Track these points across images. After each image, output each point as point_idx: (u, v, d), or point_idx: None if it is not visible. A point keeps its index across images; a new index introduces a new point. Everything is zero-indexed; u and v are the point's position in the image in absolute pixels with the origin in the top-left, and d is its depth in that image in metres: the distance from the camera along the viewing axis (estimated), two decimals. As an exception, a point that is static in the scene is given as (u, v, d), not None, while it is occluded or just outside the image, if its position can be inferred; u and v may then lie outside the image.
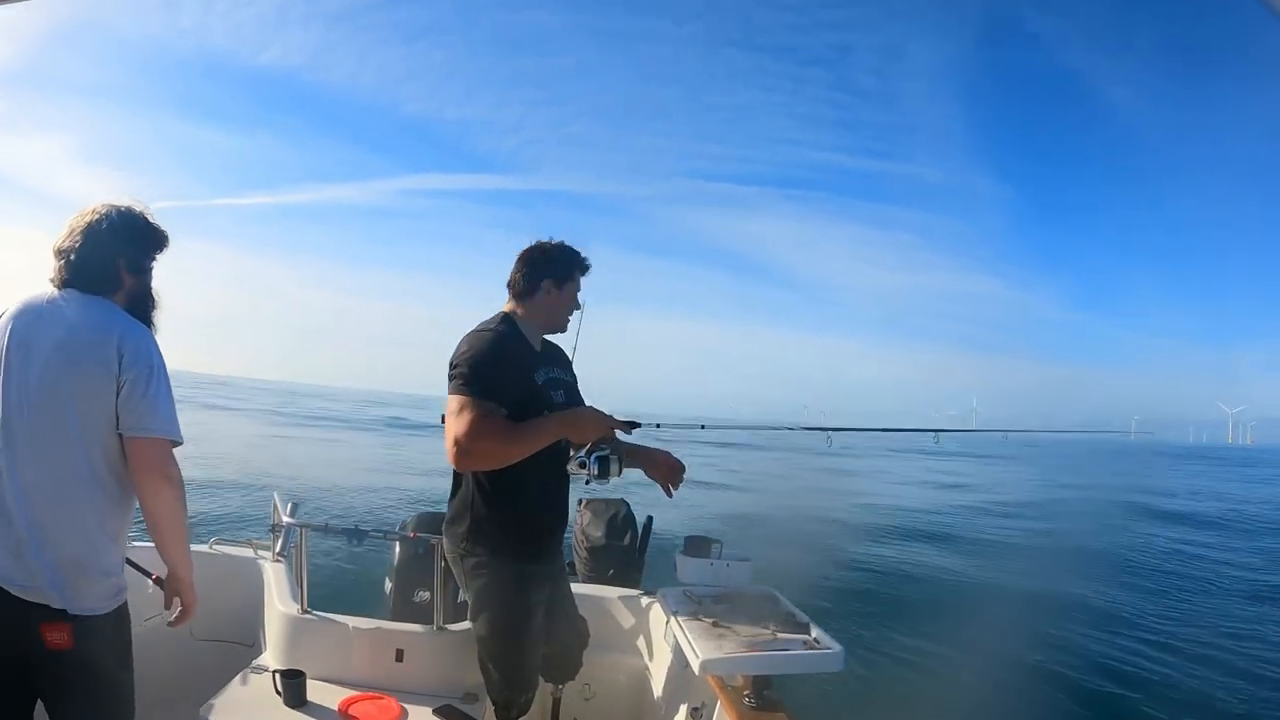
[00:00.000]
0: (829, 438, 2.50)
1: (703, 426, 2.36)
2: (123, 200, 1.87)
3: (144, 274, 1.90)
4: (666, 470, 2.42)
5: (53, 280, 1.82)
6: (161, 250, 1.92)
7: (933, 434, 3.01)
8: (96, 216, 1.83)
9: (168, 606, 1.94)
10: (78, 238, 1.80)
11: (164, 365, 1.79)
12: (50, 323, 1.74)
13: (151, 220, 1.90)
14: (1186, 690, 5.75)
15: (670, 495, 2.44)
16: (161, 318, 1.89)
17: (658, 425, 2.30)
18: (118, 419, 1.71)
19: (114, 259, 1.83)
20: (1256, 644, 6.95)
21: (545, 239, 2.42)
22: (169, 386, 1.80)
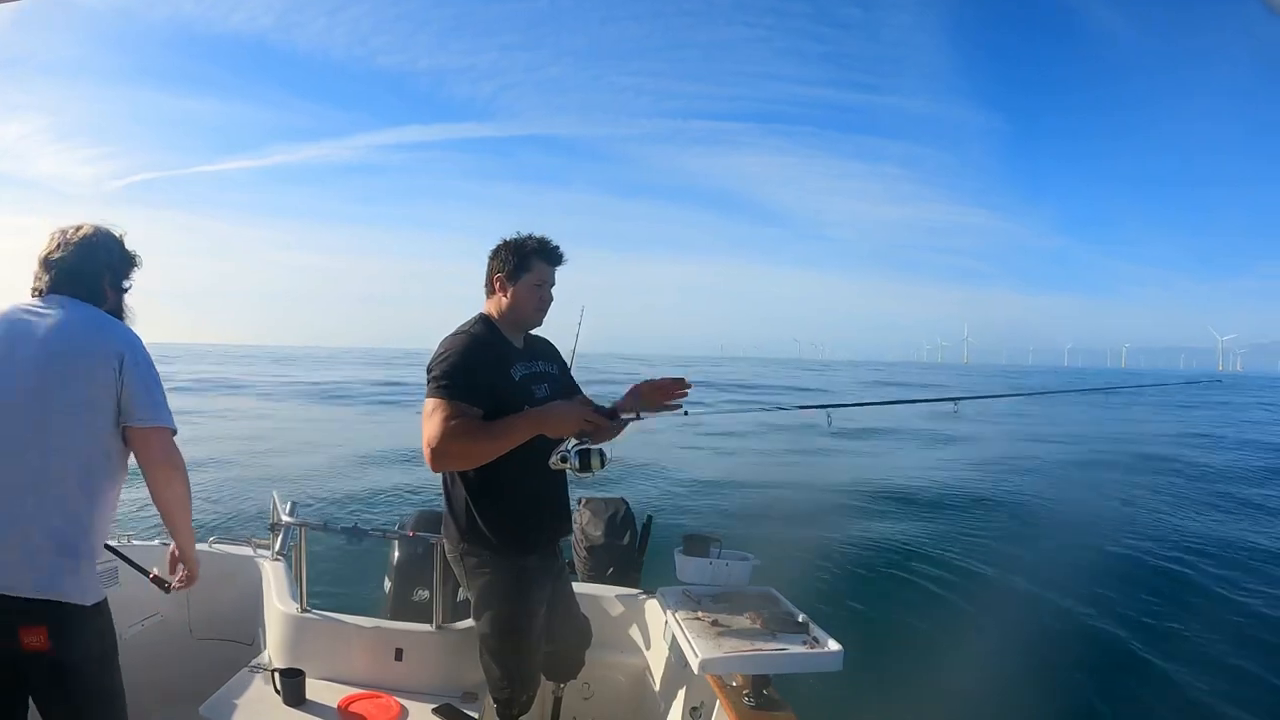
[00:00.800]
0: (829, 415, 2.40)
1: (685, 412, 2.30)
2: (104, 223, 2.00)
3: (123, 291, 2.02)
4: (661, 391, 2.31)
5: (37, 288, 1.91)
6: (136, 270, 2.05)
7: (952, 403, 2.89)
8: (86, 233, 1.95)
9: (171, 572, 2.06)
10: (70, 250, 1.91)
11: (153, 363, 1.89)
12: (39, 324, 1.80)
13: (127, 244, 2.03)
14: (1197, 687, 5.75)
15: (684, 410, 2.31)
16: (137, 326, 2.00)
17: (638, 416, 2.26)
18: (118, 413, 1.79)
19: (101, 273, 1.95)
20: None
21: (521, 234, 2.36)
22: (162, 386, 1.90)
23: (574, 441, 2.11)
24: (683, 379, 2.35)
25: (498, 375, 2.25)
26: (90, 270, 1.92)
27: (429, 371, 2.19)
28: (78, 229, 1.95)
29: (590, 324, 2.84)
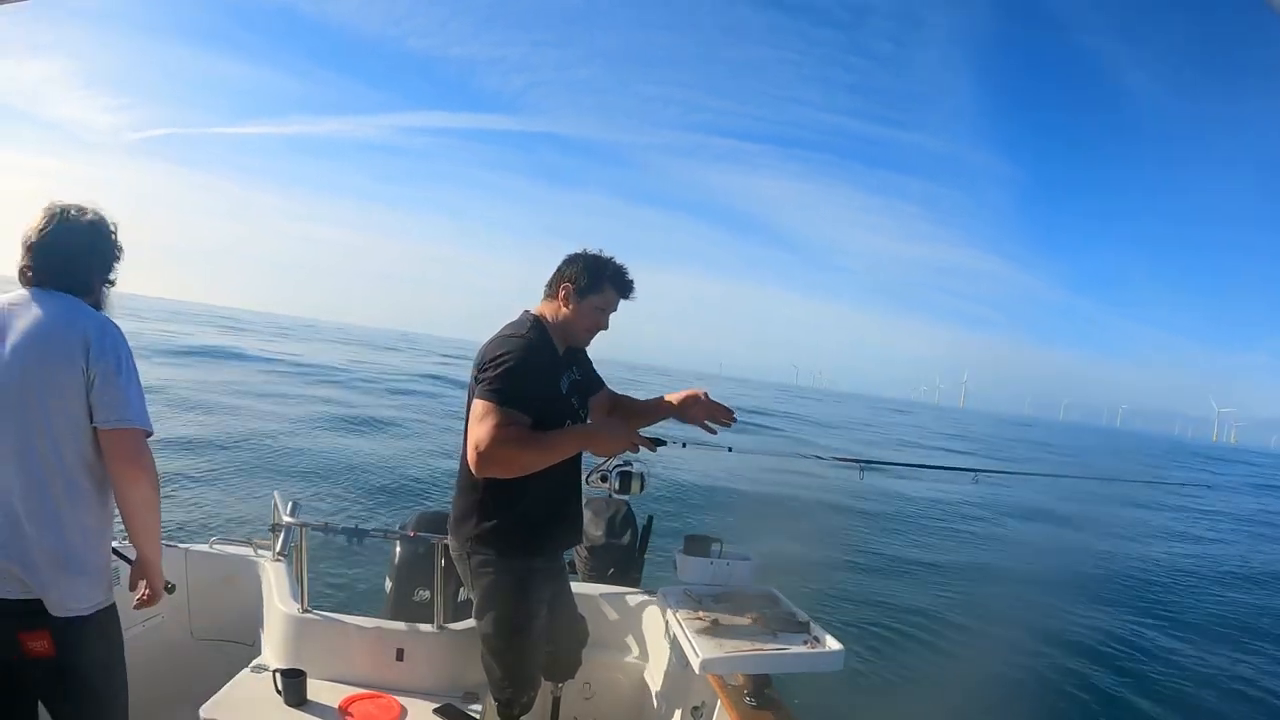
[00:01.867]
0: (861, 471, 2.54)
1: (730, 449, 2.35)
2: (92, 207, 1.89)
3: (108, 284, 1.92)
4: (706, 409, 2.35)
5: (22, 276, 1.81)
6: (120, 262, 1.95)
7: (971, 474, 3.05)
8: (77, 220, 1.83)
9: (132, 589, 1.92)
10: (58, 238, 1.80)
11: (131, 356, 1.80)
12: (17, 321, 1.73)
13: (116, 233, 1.92)
14: (1189, 689, 5.76)
15: (715, 431, 2.36)
16: (117, 315, 1.91)
17: (684, 445, 2.29)
18: (90, 413, 1.71)
19: (89, 265, 1.85)
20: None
21: (597, 250, 2.33)
22: (138, 377, 1.81)
23: (616, 462, 2.12)
24: (731, 412, 2.41)
25: (547, 386, 2.24)
26: (79, 262, 1.83)
27: (482, 371, 2.17)
28: (81, 213, 1.84)
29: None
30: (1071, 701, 5.30)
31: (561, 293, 2.31)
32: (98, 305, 1.87)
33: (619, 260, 2.34)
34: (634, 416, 2.48)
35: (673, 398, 2.45)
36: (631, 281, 2.35)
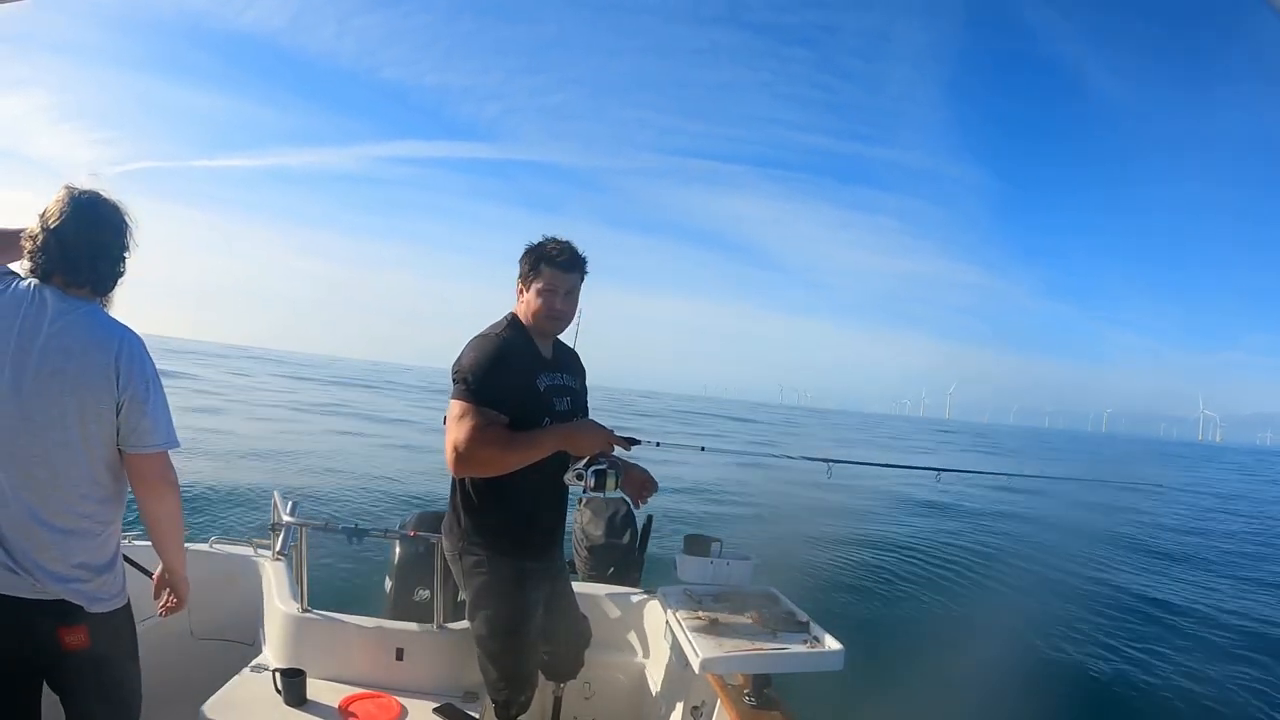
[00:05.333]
0: (829, 469, 2.59)
1: (702, 449, 2.41)
2: (110, 188, 1.74)
3: (123, 275, 1.80)
4: (639, 485, 2.40)
5: (38, 269, 1.68)
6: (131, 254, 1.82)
7: (935, 473, 3.09)
8: (104, 207, 1.72)
9: (156, 597, 1.97)
10: (85, 227, 1.68)
11: (156, 372, 1.77)
12: (49, 332, 1.65)
13: (132, 222, 1.78)
14: (1191, 688, 5.76)
15: (637, 508, 2.48)
16: (141, 294, 1.82)
17: (657, 444, 2.33)
18: (118, 433, 1.70)
19: (119, 261, 1.76)
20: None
21: (549, 235, 2.35)
22: (163, 391, 1.78)
23: (592, 461, 2.18)
24: (654, 486, 2.44)
25: (523, 383, 2.25)
26: (110, 257, 1.72)
27: (456, 372, 2.19)
28: (90, 198, 1.70)
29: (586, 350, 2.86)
30: (1072, 701, 5.30)
31: (519, 288, 2.34)
32: (106, 305, 1.79)
33: (559, 238, 2.32)
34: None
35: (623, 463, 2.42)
36: (573, 256, 2.29)
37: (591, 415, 2.40)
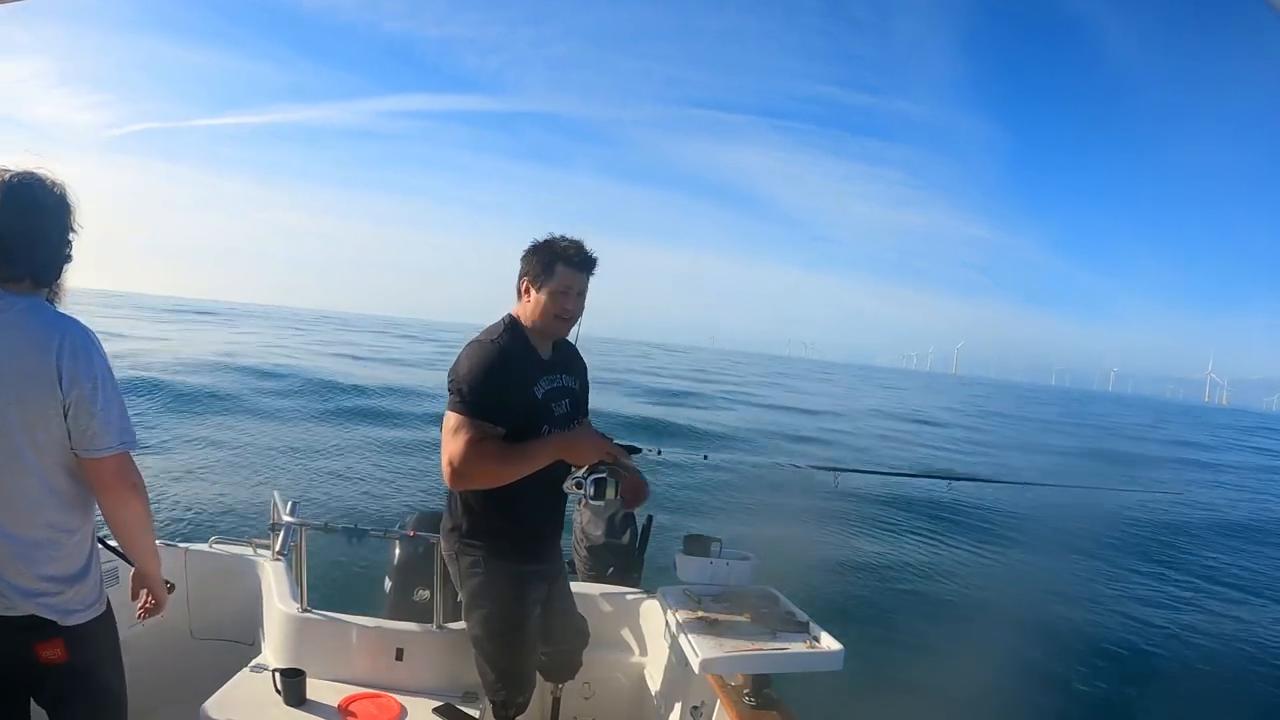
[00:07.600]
0: (835, 479, 2.58)
1: (705, 457, 2.42)
2: (48, 169, 1.60)
3: (69, 261, 1.65)
4: (632, 490, 2.35)
5: None
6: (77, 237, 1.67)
7: (946, 481, 3.08)
8: (39, 189, 1.57)
9: (134, 598, 1.90)
10: (18, 214, 1.54)
11: (107, 368, 1.62)
12: None
13: (74, 204, 1.63)
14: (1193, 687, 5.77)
15: (629, 511, 2.43)
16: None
17: (659, 452, 2.32)
18: (69, 436, 1.59)
19: (62, 246, 1.62)
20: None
21: (558, 234, 2.27)
22: (116, 389, 1.64)
23: (592, 469, 2.17)
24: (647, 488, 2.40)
25: (521, 391, 2.21)
26: (51, 246, 1.58)
27: (451, 383, 2.15)
28: (24, 182, 1.54)
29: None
30: (1073, 701, 5.30)
31: (524, 289, 2.26)
32: (53, 297, 1.67)
33: (570, 237, 2.25)
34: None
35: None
36: (587, 256, 2.23)
37: (595, 410, 2.38)
